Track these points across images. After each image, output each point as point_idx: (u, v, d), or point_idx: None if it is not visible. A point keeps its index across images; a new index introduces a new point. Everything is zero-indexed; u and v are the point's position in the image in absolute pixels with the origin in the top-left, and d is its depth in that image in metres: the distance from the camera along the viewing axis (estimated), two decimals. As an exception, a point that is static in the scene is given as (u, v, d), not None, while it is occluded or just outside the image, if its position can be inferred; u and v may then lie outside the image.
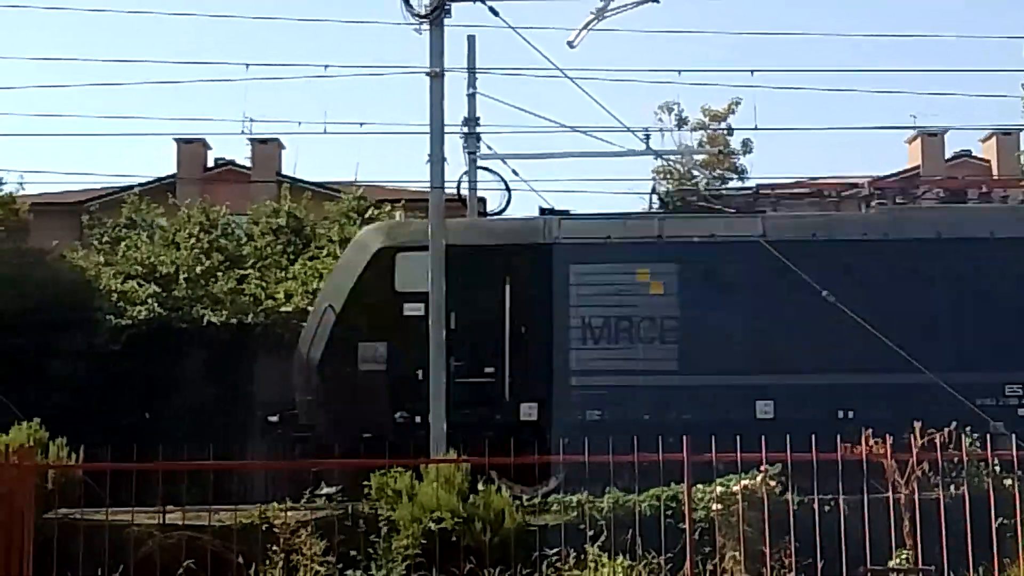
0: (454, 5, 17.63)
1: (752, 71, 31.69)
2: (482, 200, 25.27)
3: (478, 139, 27.89)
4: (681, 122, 35.24)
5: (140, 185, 29.65)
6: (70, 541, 11.46)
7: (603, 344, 18.02)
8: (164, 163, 43.24)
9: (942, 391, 16.63)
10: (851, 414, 16.72)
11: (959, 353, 17.48)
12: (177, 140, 35.53)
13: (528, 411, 17.83)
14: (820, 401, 17.18)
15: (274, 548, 12.93)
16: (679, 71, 34.09)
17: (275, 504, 13.78)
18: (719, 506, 13.34)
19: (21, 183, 26.68)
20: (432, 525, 13.24)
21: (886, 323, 17.17)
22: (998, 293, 17.76)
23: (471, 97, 27.73)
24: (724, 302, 18.01)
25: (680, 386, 17.61)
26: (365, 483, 14.17)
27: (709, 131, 34.93)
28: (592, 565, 12.74)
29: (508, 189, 22.65)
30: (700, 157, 34.44)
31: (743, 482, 13.02)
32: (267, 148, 35.45)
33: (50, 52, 57.55)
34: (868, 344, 17.09)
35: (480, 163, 27.47)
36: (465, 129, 27.67)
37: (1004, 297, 17.75)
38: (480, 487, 13.94)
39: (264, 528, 13.28)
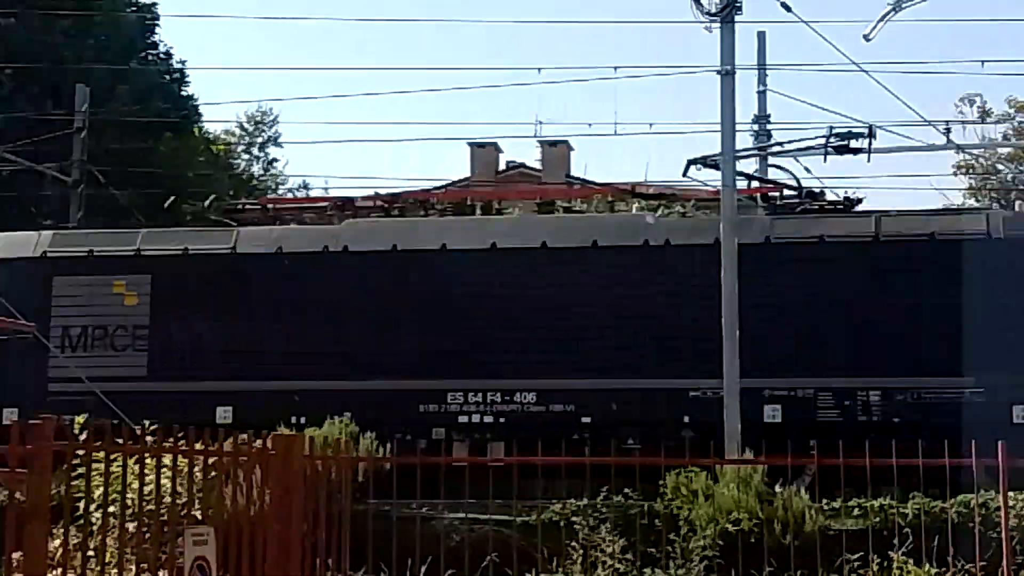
0: (745, 1, 17.46)
1: (1065, 58, 30.05)
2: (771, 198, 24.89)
3: (768, 136, 27.55)
4: (984, 114, 33.82)
5: (437, 188, 30.60)
6: (382, 533, 11.90)
7: (81, 352, 19.51)
8: (459, 166, 44.57)
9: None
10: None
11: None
12: (471, 144, 36.59)
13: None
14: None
15: (574, 544, 13.10)
16: (982, 61, 32.75)
17: (573, 500, 13.97)
18: (1034, 514, 12.74)
19: (326, 188, 28.00)
20: (729, 526, 13.16)
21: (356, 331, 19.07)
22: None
23: (761, 94, 27.45)
24: (192, 313, 19.39)
25: (149, 391, 18.73)
26: (661, 483, 14.20)
27: (1015, 123, 33.35)
28: (897, 572, 12.35)
29: (799, 186, 22.19)
30: (1005, 150, 32.93)
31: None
32: (557, 150, 36.03)
33: (341, 60, 60.11)
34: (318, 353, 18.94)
35: (771, 160, 27.11)
36: (755, 127, 27.38)
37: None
38: (778, 489, 13.76)
39: (563, 524, 13.48)
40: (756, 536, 13.03)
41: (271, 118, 42.98)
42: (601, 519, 13.43)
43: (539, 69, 21.45)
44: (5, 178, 30.91)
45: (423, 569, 12.31)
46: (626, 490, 14.16)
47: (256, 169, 43.51)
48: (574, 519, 13.53)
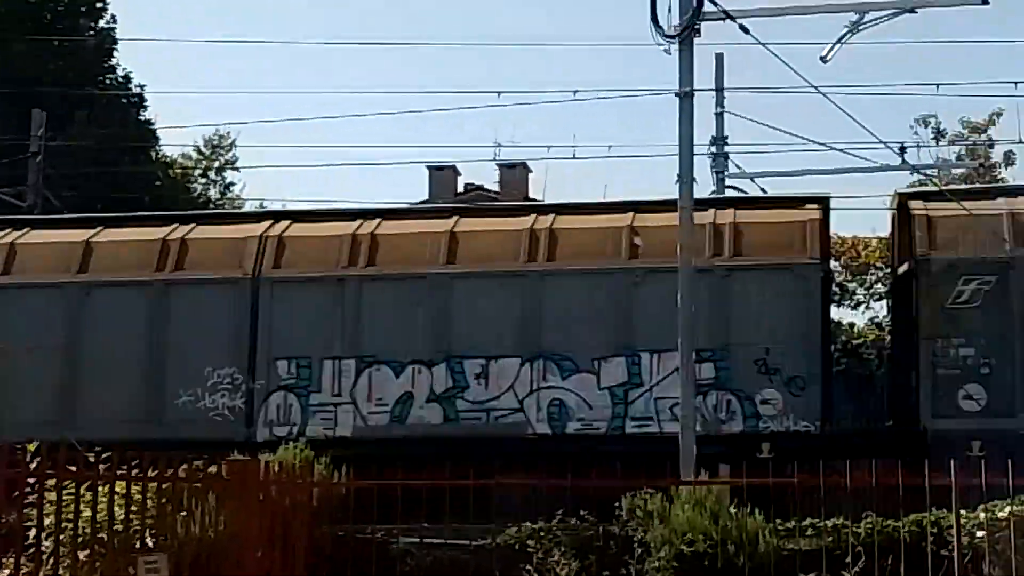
0: (703, 24, 17.55)
1: (1016, 82, 30.44)
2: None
3: (726, 158, 27.77)
4: (939, 135, 34.24)
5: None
6: (338, 556, 11.91)
7: None
8: (417, 189, 44.60)
9: None
10: None
11: None
12: (429, 167, 36.66)
13: None
14: None
15: (528, 568, 13.13)
16: (937, 84, 33.13)
17: (528, 524, 14.00)
18: (984, 533, 12.87)
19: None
20: (684, 548, 13.22)
21: None
22: None
23: (719, 116, 27.65)
24: None
25: None
26: (616, 505, 14.25)
27: (968, 144, 33.79)
28: (851, 592, 12.44)
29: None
30: (959, 171, 33.34)
31: (1012, 508, 12.51)
32: (515, 172, 36.18)
33: (301, 85, 60.16)
34: None
35: (728, 182, 27.36)
36: (713, 149, 27.58)
37: None
38: (733, 509, 13.83)
39: (517, 547, 13.51)
40: (710, 558, 13.09)
41: (228, 142, 42.90)
42: (556, 542, 13.47)
43: (498, 93, 21.49)
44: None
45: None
46: (582, 512, 14.22)
47: (213, 193, 43.38)
48: (528, 542, 13.56)
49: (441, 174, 36.94)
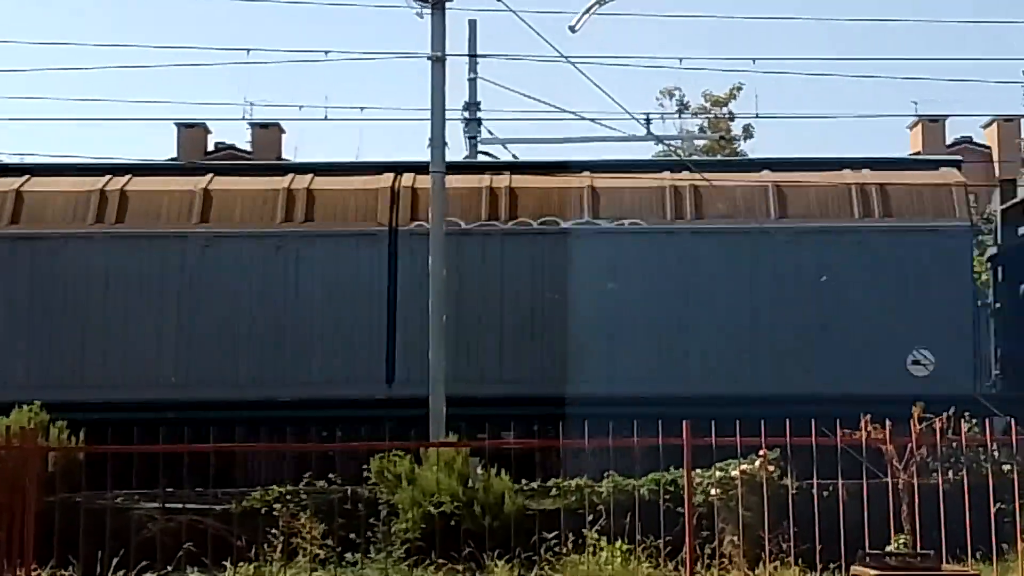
0: (457, -11, 17.59)
1: (754, 59, 31.72)
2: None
3: (479, 124, 27.89)
4: (682, 108, 35.32)
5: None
6: (72, 524, 11.48)
7: None
8: (165, 147, 43.31)
9: None
10: None
11: None
12: (178, 124, 35.59)
13: None
14: None
15: (274, 532, 12.97)
16: (680, 58, 34.09)
17: (274, 488, 13.83)
18: (718, 491, 13.40)
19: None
20: (432, 509, 13.29)
21: None
22: None
23: (472, 82, 27.73)
24: None
25: None
26: (365, 467, 14.22)
27: (710, 117, 34.97)
28: (591, 549, 12.78)
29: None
30: (701, 142, 34.47)
31: (742, 467, 13.06)
32: (268, 133, 35.52)
33: (50, 35, 57.63)
34: None
35: (481, 147, 27.51)
36: (466, 114, 27.68)
37: None
38: (480, 471, 13.98)
39: (264, 512, 13.33)
40: (458, 519, 13.21)
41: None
42: (302, 506, 13.35)
43: (248, 50, 20.96)
44: None
45: (115, 562, 11.94)
46: (330, 475, 14.13)
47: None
48: (275, 506, 13.39)
49: (191, 132, 35.93)
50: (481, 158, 26.44)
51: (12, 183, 19.55)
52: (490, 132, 27.99)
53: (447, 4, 17.62)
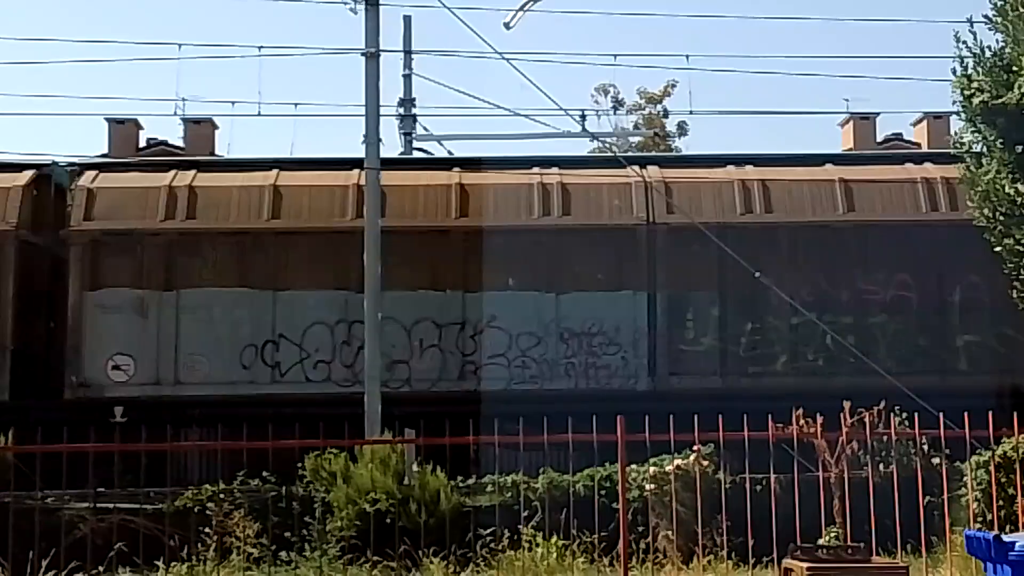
0: (391, -16, 17.55)
1: (687, 56, 31.93)
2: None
3: (414, 120, 27.86)
4: (617, 104, 35.47)
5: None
6: (1, 525, 11.33)
7: None
8: (95, 143, 42.77)
9: None
10: None
11: None
12: (108, 120, 35.13)
13: None
14: None
15: (207, 531, 12.86)
16: (615, 55, 34.14)
17: (207, 486, 13.72)
18: (652, 486, 13.47)
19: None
20: (367, 507, 13.25)
21: None
22: None
23: (407, 78, 27.69)
24: None
25: None
26: (299, 464, 14.14)
27: (645, 113, 35.14)
28: (527, 545, 12.80)
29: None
30: (636, 139, 34.61)
31: (676, 462, 13.14)
32: (201, 128, 35.12)
33: (-22, 29, 56.56)
34: None
35: (416, 144, 27.47)
36: (401, 110, 27.62)
37: None
38: (415, 468, 13.95)
39: (197, 511, 13.22)
40: (393, 516, 13.18)
41: None
42: (236, 504, 13.25)
43: (179, 45, 20.78)
44: None
45: (44, 563, 11.79)
46: (264, 473, 14.03)
47: None
48: (208, 505, 13.28)
49: (122, 127, 35.48)
50: (416, 155, 26.41)
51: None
52: (425, 128, 27.99)
53: (380, 0, 17.60)
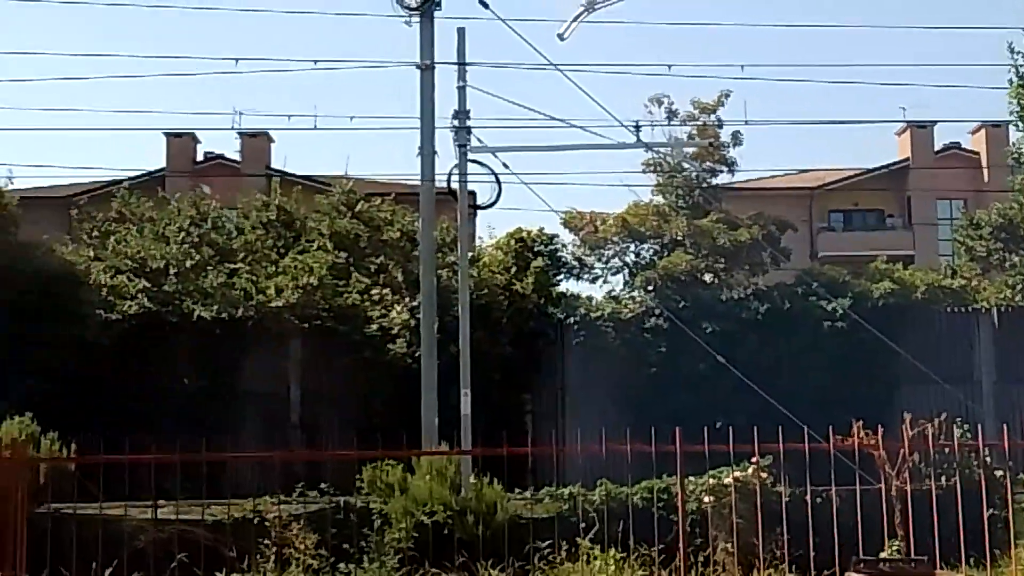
0: (444, -2, 17.57)
1: (743, 65, 31.65)
2: (472, 193, 25.23)
3: (468, 132, 27.84)
4: (671, 115, 35.23)
5: (130, 179, 29.49)
6: (63, 535, 11.42)
7: None
8: (154, 157, 43.24)
9: None
10: None
11: None
12: (167, 134, 35.56)
13: None
14: None
15: (266, 542, 12.89)
16: (669, 65, 34.02)
17: (267, 498, 13.76)
18: (711, 498, 13.38)
19: (10, 177, 26.59)
20: (424, 518, 13.25)
21: None
22: None
23: (461, 90, 27.61)
24: None
25: None
26: (358, 476, 14.16)
27: (699, 124, 34.94)
28: (584, 557, 12.74)
29: (499, 182, 22.52)
30: (690, 150, 34.37)
31: (735, 474, 13.04)
32: (256, 142, 35.46)
33: (37, 46, 57.42)
34: None
35: (470, 156, 27.47)
36: (455, 122, 27.64)
37: None
38: (472, 480, 13.94)
39: (256, 522, 13.26)
40: (450, 527, 13.16)
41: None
42: (295, 516, 13.28)
43: (236, 60, 20.96)
44: None
45: (107, 572, 11.88)
46: (322, 485, 14.06)
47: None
48: (266, 517, 13.31)
49: (179, 141, 35.90)
50: (471, 167, 26.39)
51: None
52: (480, 140, 27.99)
53: (435, 13, 17.64)
